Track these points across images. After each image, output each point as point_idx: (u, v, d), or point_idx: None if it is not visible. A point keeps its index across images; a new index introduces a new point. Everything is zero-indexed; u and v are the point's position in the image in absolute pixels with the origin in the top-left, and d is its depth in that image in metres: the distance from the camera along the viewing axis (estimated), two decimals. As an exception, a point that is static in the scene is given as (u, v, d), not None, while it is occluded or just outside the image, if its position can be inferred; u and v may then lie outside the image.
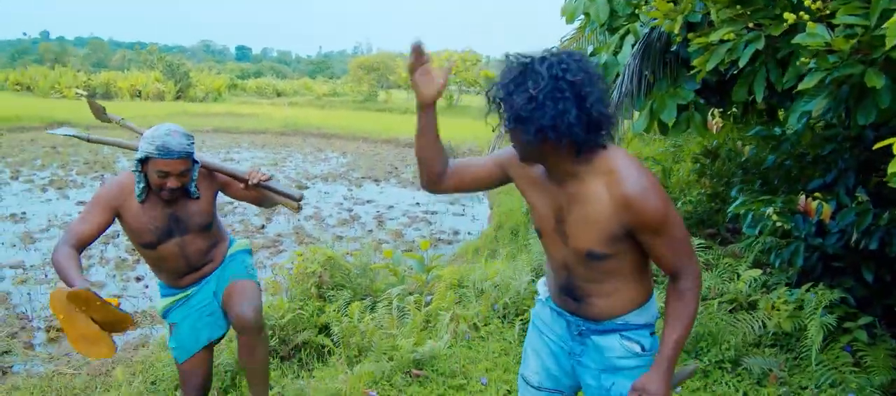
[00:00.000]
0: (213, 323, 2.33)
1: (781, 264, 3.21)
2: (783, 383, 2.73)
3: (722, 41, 2.35)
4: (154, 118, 15.22)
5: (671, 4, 2.67)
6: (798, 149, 3.84)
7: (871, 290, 2.93)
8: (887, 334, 2.78)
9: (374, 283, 4.06)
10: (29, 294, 4.78)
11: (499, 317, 3.62)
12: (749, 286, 3.28)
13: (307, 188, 9.59)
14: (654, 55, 3.13)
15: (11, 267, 5.43)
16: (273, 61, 76.93)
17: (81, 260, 1.97)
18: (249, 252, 2.46)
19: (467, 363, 3.13)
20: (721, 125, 4.49)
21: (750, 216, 3.20)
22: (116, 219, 2.12)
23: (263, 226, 7.22)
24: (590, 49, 4.04)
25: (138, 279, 5.23)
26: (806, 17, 1.99)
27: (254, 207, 7.55)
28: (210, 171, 2.25)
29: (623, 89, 3.20)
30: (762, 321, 3.02)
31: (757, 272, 3.32)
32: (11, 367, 3.63)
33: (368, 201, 8.94)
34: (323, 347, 3.38)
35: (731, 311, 3.24)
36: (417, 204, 8.90)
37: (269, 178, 2.23)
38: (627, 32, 3.47)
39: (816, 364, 2.68)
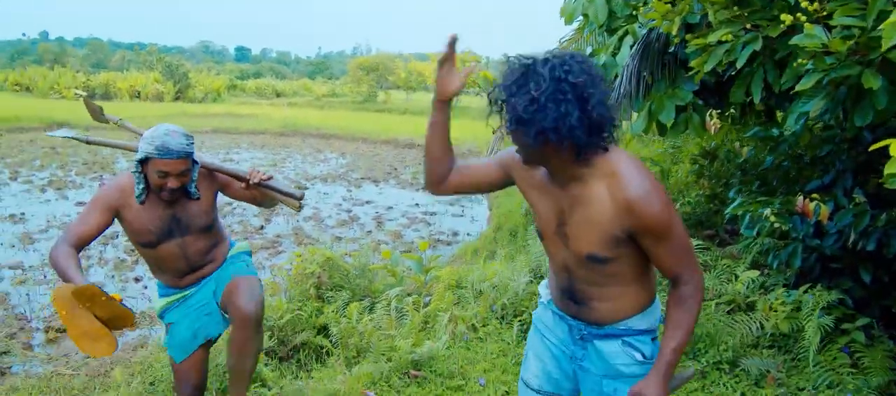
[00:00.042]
0: (210, 322, 2.32)
1: (779, 265, 3.22)
2: (781, 384, 2.73)
3: (720, 42, 2.35)
4: (153, 119, 15.21)
5: (669, 5, 2.67)
6: (796, 150, 3.84)
7: (868, 291, 2.93)
8: (885, 335, 2.79)
9: (372, 284, 4.06)
10: (28, 294, 4.78)
11: (497, 318, 3.63)
12: (747, 287, 3.28)
13: (307, 188, 9.58)
14: (653, 56, 3.13)
15: (10, 268, 5.43)
16: (272, 62, 76.82)
17: (80, 261, 1.97)
18: (249, 254, 2.46)
19: (465, 364, 3.13)
20: (719, 126, 4.50)
21: (748, 217, 3.21)
22: (116, 220, 2.12)
23: (262, 227, 7.21)
24: (588, 50, 4.05)
25: (137, 280, 5.24)
26: (803, 18, 1.99)
27: (253, 208, 7.56)
28: (210, 172, 2.25)
29: (621, 90, 3.20)
30: (760, 322, 3.03)
31: (755, 273, 3.32)
32: (10, 368, 3.63)
33: (367, 202, 8.94)
34: (321, 348, 3.39)
35: (729, 312, 3.25)
36: (416, 205, 8.91)
37: (270, 178, 2.23)
38: (626, 33, 3.48)
39: (814, 366, 2.68)
